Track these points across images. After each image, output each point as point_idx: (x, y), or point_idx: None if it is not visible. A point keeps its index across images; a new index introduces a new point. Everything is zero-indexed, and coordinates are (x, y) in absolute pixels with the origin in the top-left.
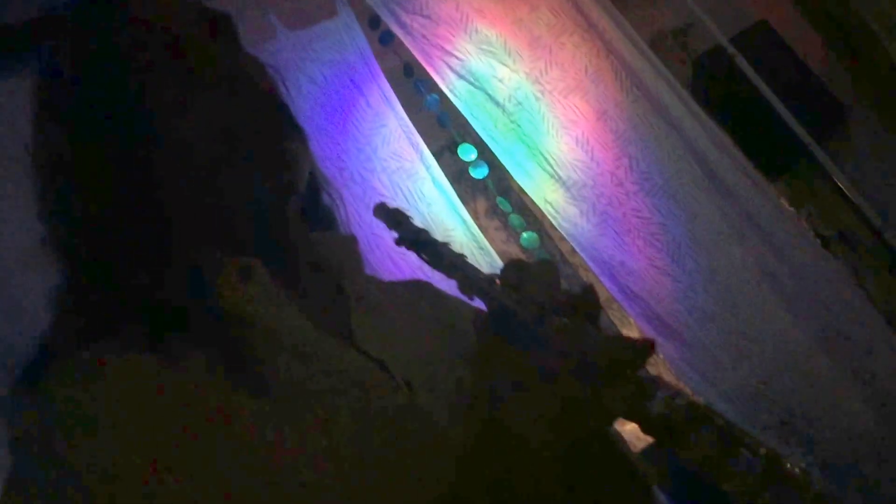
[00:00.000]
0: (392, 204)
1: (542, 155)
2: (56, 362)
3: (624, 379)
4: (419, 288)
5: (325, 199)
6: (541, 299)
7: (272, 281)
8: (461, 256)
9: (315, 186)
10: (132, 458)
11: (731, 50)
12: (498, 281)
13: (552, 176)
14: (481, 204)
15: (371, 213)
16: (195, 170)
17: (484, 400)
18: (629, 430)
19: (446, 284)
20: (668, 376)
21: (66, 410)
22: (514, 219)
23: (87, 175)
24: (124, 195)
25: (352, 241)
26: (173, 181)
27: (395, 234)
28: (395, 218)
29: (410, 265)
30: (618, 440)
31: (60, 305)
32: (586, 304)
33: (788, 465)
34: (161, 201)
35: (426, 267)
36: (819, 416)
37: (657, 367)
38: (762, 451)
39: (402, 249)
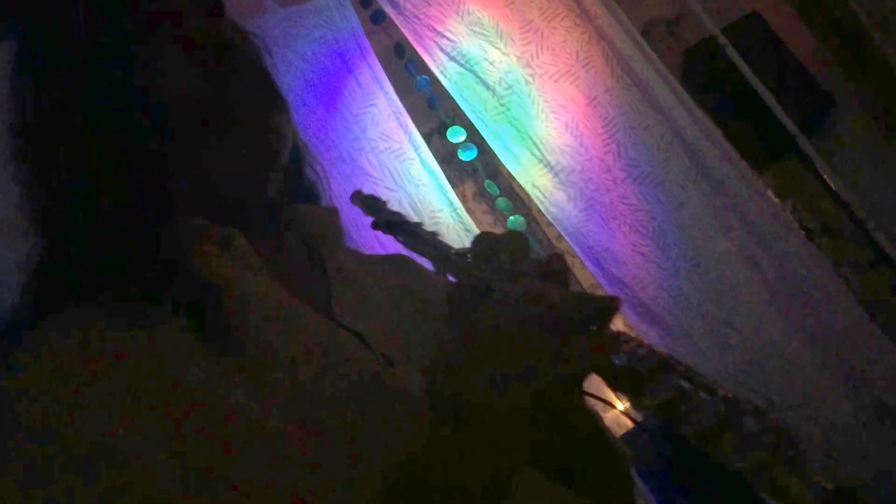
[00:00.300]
0: (379, 185)
1: (531, 139)
2: (28, 329)
3: (589, 333)
4: (399, 263)
5: (310, 173)
6: (510, 268)
7: (252, 250)
8: (433, 234)
9: (298, 158)
10: (132, 437)
11: (722, 40)
12: (469, 256)
13: (540, 160)
14: (469, 187)
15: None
16: (179, 137)
17: (485, 384)
18: (611, 418)
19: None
20: None
21: (44, 380)
22: (502, 202)
23: (66, 141)
24: (105, 162)
25: (333, 213)
26: (157, 149)
27: (372, 219)
28: (371, 203)
29: (396, 246)
30: (596, 419)
31: (34, 272)
32: (554, 269)
33: (747, 405)
34: (144, 168)
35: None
36: (798, 405)
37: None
38: (720, 392)
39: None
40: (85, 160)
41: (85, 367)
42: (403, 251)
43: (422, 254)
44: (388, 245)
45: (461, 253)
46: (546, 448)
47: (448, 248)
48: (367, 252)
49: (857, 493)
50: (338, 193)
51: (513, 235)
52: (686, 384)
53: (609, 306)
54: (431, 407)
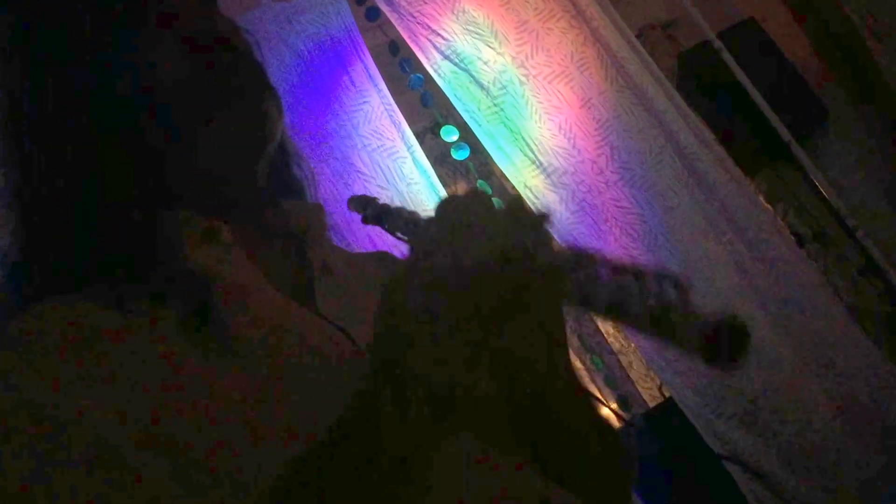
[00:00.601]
0: (371, 182)
1: (524, 140)
2: (15, 319)
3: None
4: (383, 259)
5: (297, 172)
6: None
7: (237, 243)
8: (414, 213)
9: (287, 156)
10: (131, 435)
11: (718, 45)
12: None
13: (533, 161)
14: (461, 186)
15: (351, 190)
16: (165, 126)
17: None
18: (606, 414)
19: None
20: (640, 366)
21: (45, 372)
22: (494, 202)
23: (54, 131)
24: (92, 148)
25: (319, 210)
26: (157, 145)
27: (362, 215)
28: (362, 202)
29: (387, 244)
30: (590, 398)
31: (19, 261)
32: (518, 214)
33: (650, 271)
34: (130, 156)
35: (403, 245)
36: (782, 409)
37: (628, 356)
38: (630, 269)
39: (380, 229)
40: (86, 158)
41: (82, 363)
42: (395, 252)
43: (402, 231)
44: (380, 245)
45: (431, 218)
46: (536, 423)
47: (420, 216)
48: (356, 249)
49: (743, 327)
50: (328, 191)
51: (474, 192)
52: (604, 269)
53: (539, 218)
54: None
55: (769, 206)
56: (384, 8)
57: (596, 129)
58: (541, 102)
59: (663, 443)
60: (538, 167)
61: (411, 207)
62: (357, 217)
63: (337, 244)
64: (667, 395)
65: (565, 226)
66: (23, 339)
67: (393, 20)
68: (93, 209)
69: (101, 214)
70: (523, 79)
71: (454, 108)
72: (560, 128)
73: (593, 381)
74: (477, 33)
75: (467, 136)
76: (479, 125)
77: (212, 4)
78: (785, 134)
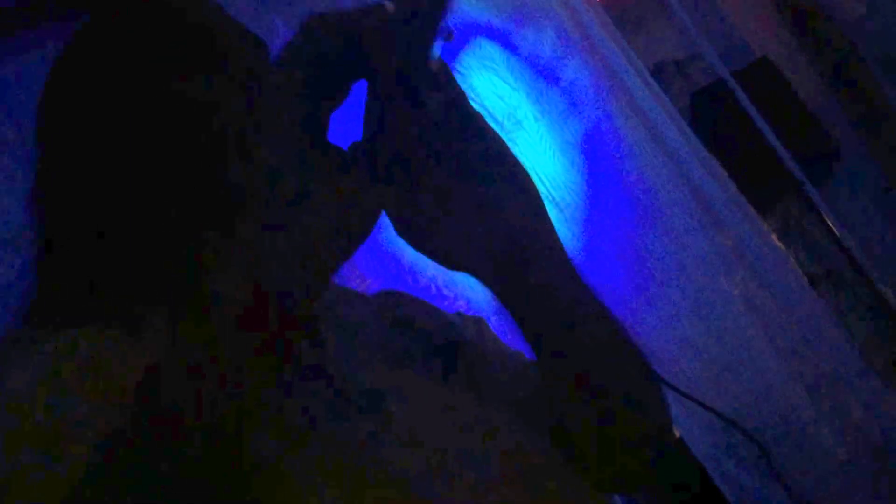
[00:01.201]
0: None
1: (538, 175)
2: (30, 338)
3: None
4: (389, 297)
5: None
6: None
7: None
8: None
9: None
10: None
11: (732, 83)
12: None
13: (547, 197)
14: None
15: None
16: (196, 150)
17: None
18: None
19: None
20: None
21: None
22: None
23: (79, 152)
24: (117, 170)
25: None
26: (172, 160)
27: None
28: None
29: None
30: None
31: (40, 282)
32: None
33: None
34: (156, 179)
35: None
36: (791, 451)
37: None
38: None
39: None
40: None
41: (87, 388)
42: (415, 265)
43: None
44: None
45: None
46: None
47: None
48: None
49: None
50: None
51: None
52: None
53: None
54: None
55: (781, 245)
56: None
57: (610, 166)
58: (555, 138)
59: (672, 483)
60: (552, 202)
61: None
62: (362, 249)
63: (346, 275)
64: (677, 434)
65: (577, 261)
66: (34, 360)
67: None
68: (102, 230)
69: (112, 236)
70: (538, 114)
71: None
72: (574, 164)
73: None
74: (493, 68)
75: None
76: None
77: (265, 53)
78: (797, 173)
